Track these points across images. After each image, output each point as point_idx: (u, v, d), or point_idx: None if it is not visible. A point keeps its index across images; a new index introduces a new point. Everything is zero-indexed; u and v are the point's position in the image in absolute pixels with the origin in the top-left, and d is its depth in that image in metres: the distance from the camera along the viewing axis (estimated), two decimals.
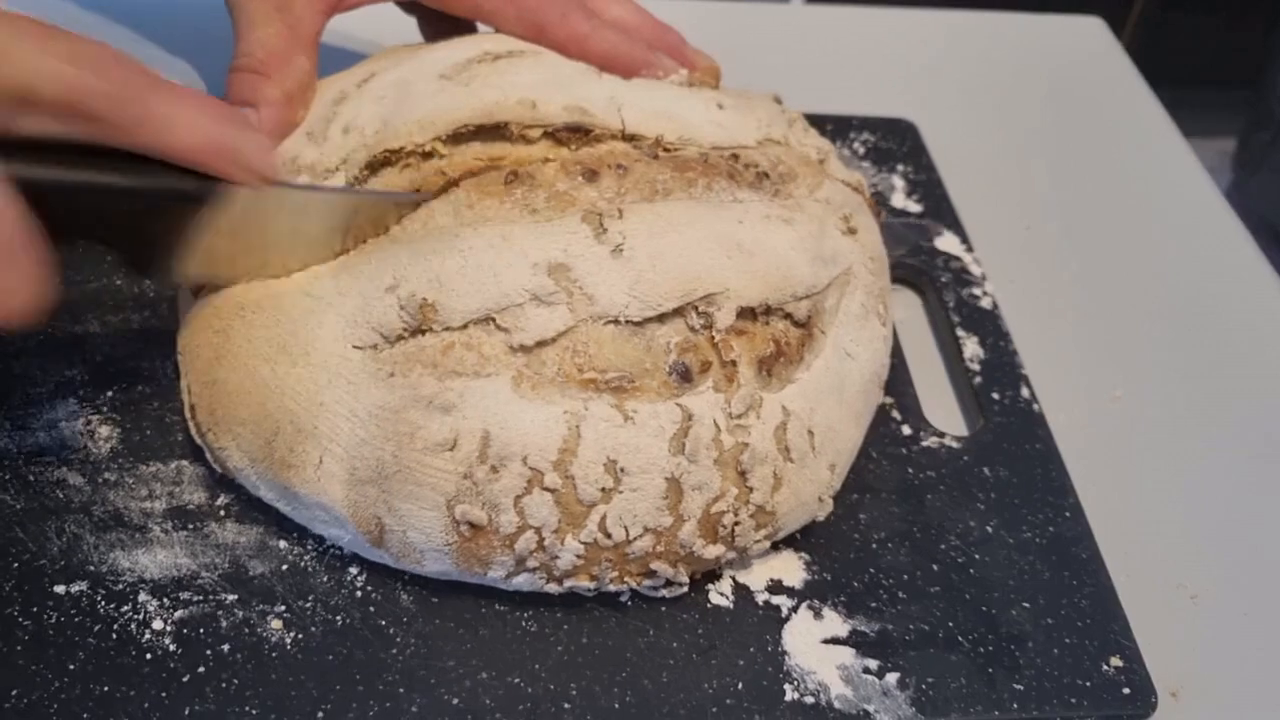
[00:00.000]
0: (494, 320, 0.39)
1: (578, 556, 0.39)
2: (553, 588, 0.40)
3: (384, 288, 0.40)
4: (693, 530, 0.40)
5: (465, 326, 0.39)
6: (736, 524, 0.40)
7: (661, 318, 0.40)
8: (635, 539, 0.39)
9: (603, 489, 0.39)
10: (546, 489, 0.38)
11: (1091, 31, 0.81)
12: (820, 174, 0.48)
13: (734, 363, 0.41)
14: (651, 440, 0.39)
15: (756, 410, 0.41)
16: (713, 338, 0.41)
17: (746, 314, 0.42)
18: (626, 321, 0.40)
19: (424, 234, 0.42)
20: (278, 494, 0.41)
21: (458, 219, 0.42)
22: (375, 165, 0.45)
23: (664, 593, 0.42)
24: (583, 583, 0.40)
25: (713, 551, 0.40)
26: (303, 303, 0.41)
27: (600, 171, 0.43)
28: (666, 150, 0.46)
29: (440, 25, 0.54)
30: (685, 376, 0.40)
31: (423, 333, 0.40)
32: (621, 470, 0.39)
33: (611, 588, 0.41)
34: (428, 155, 0.45)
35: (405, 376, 0.39)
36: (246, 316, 0.41)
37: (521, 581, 0.40)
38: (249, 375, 0.40)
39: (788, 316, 0.43)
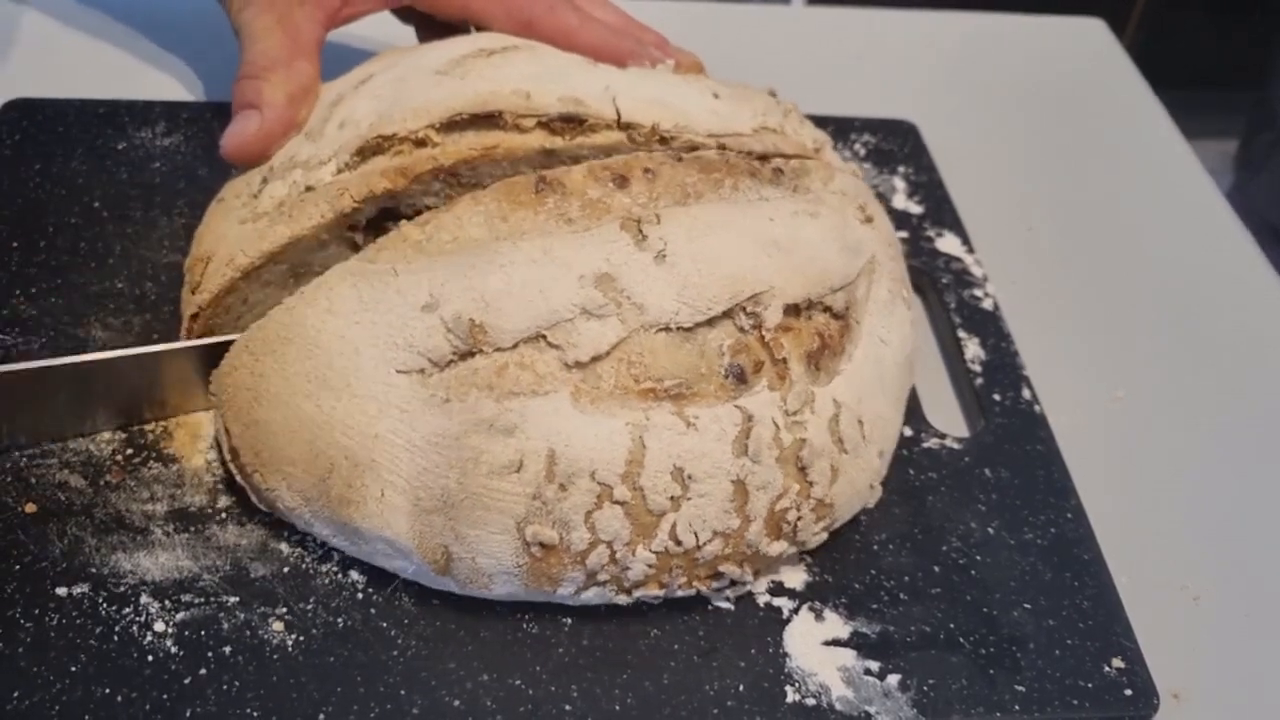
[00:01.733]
0: (545, 337, 0.39)
1: (649, 566, 0.39)
2: (622, 599, 0.40)
3: (419, 305, 0.39)
4: (759, 530, 0.40)
5: (516, 346, 0.39)
6: (799, 519, 0.41)
7: (711, 321, 0.40)
8: (705, 544, 0.39)
9: (671, 497, 0.39)
10: (616, 502, 0.38)
11: (1093, 33, 0.81)
12: (828, 166, 0.48)
13: (784, 360, 0.41)
14: (715, 444, 0.39)
15: (810, 405, 0.41)
16: (762, 337, 0.41)
17: (790, 310, 0.42)
18: (677, 328, 0.40)
19: (456, 247, 0.41)
20: (335, 530, 0.41)
21: (491, 231, 0.41)
22: (366, 152, 0.45)
23: (729, 593, 0.42)
24: (652, 591, 0.40)
25: (777, 548, 0.41)
26: (329, 325, 0.40)
27: (630, 177, 0.43)
28: (663, 141, 0.46)
29: (435, 30, 0.54)
30: (740, 378, 0.40)
31: (472, 355, 0.39)
32: (689, 477, 0.39)
33: (680, 593, 0.41)
34: (420, 144, 0.45)
35: (461, 401, 0.39)
36: (276, 351, 0.41)
37: (591, 595, 0.40)
38: (293, 413, 0.40)
39: (827, 309, 0.43)
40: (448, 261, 0.40)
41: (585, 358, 0.39)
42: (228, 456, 0.42)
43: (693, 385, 0.40)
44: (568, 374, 0.39)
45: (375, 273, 0.41)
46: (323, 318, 0.40)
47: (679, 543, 0.39)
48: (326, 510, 0.40)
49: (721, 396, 0.40)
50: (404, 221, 0.42)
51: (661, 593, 0.40)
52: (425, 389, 0.39)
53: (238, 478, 0.42)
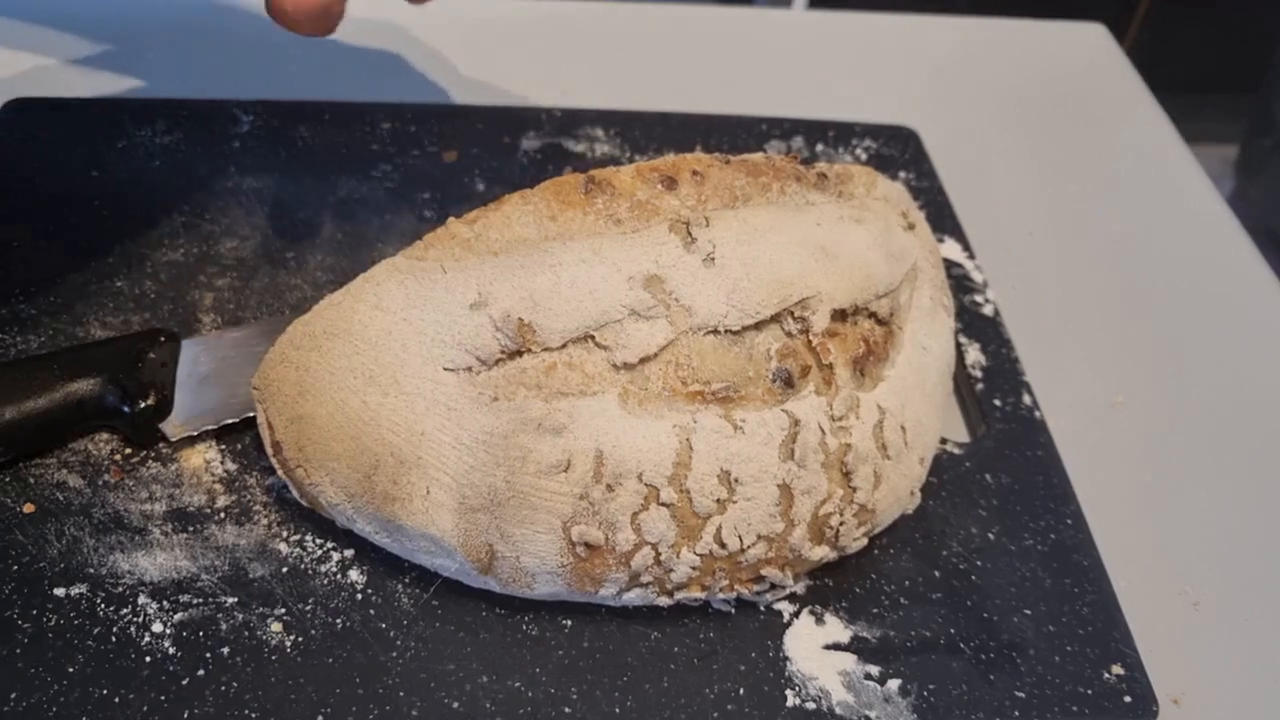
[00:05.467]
0: (593, 338, 0.39)
1: (693, 569, 0.39)
2: (664, 600, 0.40)
3: (467, 304, 0.39)
4: (803, 534, 0.40)
5: (564, 346, 0.39)
6: (842, 524, 0.41)
7: (758, 325, 0.40)
8: (749, 547, 0.39)
9: (718, 500, 0.39)
10: (663, 504, 0.38)
11: (1094, 37, 0.81)
12: (871, 172, 0.48)
13: (831, 365, 0.41)
14: (762, 448, 0.39)
15: (855, 411, 0.41)
16: (809, 341, 0.41)
17: (836, 315, 0.42)
18: (726, 331, 0.40)
19: (504, 246, 0.41)
20: (378, 526, 0.40)
21: (540, 230, 0.41)
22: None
23: (769, 597, 0.42)
24: (694, 593, 0.40)
25: (819, 553, 0.41)
26: (377, 320, 0.40)
27: (678, 179, 0.43)
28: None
29: None
30: (788, 382, 0.40)
31: (520, 354, 0.39)
32: (735, 480, 0.39)
33: (720, 596, 0.41)
34: None
35: (510, 400, 0.38)
36: (322, 346, 0.40)
37: (633, 597, 0.40)
38: (338, 409, 0.40)
39: (872, 315, 0.43)
40: (496, 260, 0.40)
41: (634, 359, 0.39)
42: (270, 451, 0.42)
43: (740, 388, 0.40)
44: (616, 375, 0.39)
45: (423, 269, 0.40)
46: (370, 313, 0.40)
47: (723, 546, 0.39)
48: (370, 506, 0.40)
49: (769, 400, 0.40)
50: (451, 218, 0.42)
51: (703, 595, 0.40)
52: (473, 387, 0.39)
53: (279, 472, 0.42)
